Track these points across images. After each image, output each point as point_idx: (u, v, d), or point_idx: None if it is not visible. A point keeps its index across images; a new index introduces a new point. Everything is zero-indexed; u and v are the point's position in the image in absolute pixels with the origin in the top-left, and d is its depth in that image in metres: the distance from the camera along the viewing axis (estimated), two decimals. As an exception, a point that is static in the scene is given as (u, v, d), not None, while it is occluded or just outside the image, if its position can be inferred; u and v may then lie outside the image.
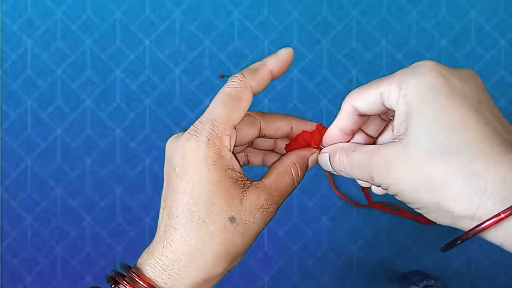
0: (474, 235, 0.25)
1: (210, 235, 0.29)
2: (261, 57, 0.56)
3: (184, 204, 0.29)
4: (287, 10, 0.56)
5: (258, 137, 0.34)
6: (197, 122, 0.30)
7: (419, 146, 0.25)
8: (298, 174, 0.32)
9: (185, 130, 0.31)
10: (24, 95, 0.56)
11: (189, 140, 0.29)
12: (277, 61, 0.33)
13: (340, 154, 0.31)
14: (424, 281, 0.50)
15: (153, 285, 0.29)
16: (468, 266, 0.55)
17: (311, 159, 0.33)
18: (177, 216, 0.29)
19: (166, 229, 0.30)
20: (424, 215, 0.28)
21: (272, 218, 0.31)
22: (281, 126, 0.34)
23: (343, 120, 0.31)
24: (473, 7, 0.56)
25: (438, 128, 0.25)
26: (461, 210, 0.25)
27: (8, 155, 0.56)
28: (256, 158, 0.36)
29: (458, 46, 0.55)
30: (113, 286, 0.29)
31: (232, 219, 0.29)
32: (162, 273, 0.29)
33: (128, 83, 0.56)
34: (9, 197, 0.56)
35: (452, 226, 0.27)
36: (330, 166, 0.32)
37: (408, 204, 0.28)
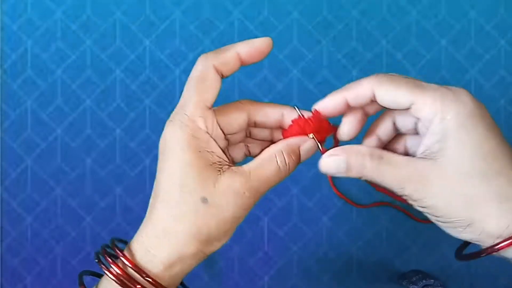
0: (498, 250, 0.28)
1: (183, 215, 0.30)
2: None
3: (162, 184, 0.30)
4: (287, 10, 0.56)
5: (249, 125, 0.34)
6: (175, 109, 0.32)
7: (459, 168, 0.28)
8: (285, 163, 0.31)
9: None
10: (24, 95, 0.56)
11: (167, 126, 0.31)
12: (248, 45, 0.32)
13: (365, 160, 0.30)
14: (424, 281, 0.50)
15: (131, 259, 0.30)
16: (468, 266, 0.55)
17: (304, 147, 0.32)
18: (157, 195, 0.31)
19: (150, 209, 0.31)
20: (447, 228, 0.30)
21: (251, 204, 0.31)
22: (269, 113, 0.33)
23: (356, 96, 0.31)
24: (473, 7, 0.56)
25: (478, 155, 0.28)
26: (492, 228, 0.28)
27: (8, 155, 0.56)
28: (255, 148, 0.36)
29: (458, 46, 0.55)
30: (97, 260, 0.31)
31: (204, 200, 0.29)
32: (141, 248, 0.31)
33: (128, 83, 0.56)
34: (9, 197, 0.56)
35: (473, 241, 0.30)
36: (344, 170, 0.31)
37: (435, 218, 0.30)
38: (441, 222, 0.30)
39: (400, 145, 0.34)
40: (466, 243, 0.33)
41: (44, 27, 0.56)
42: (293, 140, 0.32)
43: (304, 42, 0.56)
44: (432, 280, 0.50)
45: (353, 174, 0.31)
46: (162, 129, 0.58)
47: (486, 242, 0.29)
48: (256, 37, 0.56)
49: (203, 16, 0.56)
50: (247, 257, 0.55)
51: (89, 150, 0.56)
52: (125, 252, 0.31)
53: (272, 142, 0.35)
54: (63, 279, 0.56)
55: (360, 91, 0.31)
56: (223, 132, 0.33)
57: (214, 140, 0.31)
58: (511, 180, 0.28)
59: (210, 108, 0.31)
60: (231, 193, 0.30)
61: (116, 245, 0.32)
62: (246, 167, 0.31)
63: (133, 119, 0.56)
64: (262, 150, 0.35)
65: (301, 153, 0.32)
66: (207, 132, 0.31)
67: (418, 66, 0.55)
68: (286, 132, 0.33)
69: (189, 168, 0.30)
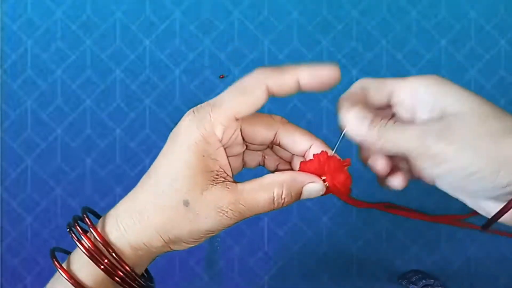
0: None
1: (162, 208, 0.29)
2: (261, 57, 0.56)
3: (158, 168, 0.30)
4: (287, 10, 0.56)
5: (273, 143, 0.32)
6: (204, 103, 0.30)
7: (473, 114, 0.27)
8: (281, 197, 0.30)
9: None
10: (24, 95, 0.56)
11: (187, 116, 0.30)
12: (312, 73, 0.29)
13: (382, 124, 0.29)
14: (423, 281, 0.50)
15: (101, 232, 0.30)
16: (468, 266, 0.55)
17: (308, 188, 0.31)
18: (149, 177, 0.30)
19: (138, 186, 0.31)
20: (476, 179, 0.27)
21: (230, 224, 0.30)
22: (298, 140, 0.32)
23: (352, 98, 0.31)
24: (473, 7, 0.56)
25: (477, 102, 0.28)
26: None
27: (8, 155, 0.56)
28: (271, 162, 0.35)
29: (458, 46, 0.55)
30: (68, 230, 0.31)
31: (186, 203, 0.29)
32: (113, 222, 0.31)
33: (128, 83, 0.56)
34: (9, 197, 0.56)
35: (491, 198, 0.28)
36: (362, 132, 0.29)
37: (459, 172, 0.28)
38: (468, 174, 0.27)
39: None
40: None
41: (44, 27, 0.56)
42: (300, 177, 0.31)
43: (304, 42, 0.56)
44: (432, 280, 0.50)
45: (374, 137, 0.29)
46: (162, 129, 0.58)
47: (505, 199, 0.28)
48: (255, 37, 0.57)
49: (203, 16, 0.56)
50: (247, 257, 0.56)
51: (89, 150, 0.56)
52: (98, 225, 0.31)
53: (291, 165, 0.34)
54: (63, 279, 0.56)
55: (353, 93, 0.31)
56: (244, 139, 0.32)
57: (225, 149, 0.30)
58: None
59: (237, 120, 0.30)
60: (214, 207, 0.29)
61: (88, 217, 0.32)
62: (240, 186, 0.30)
63: (133, 119, 0.56)
64: (277, 166, 0.34)
65: (304, 192, 0.31)
66: (220, 141, 0.29)
67: (418, 66, 0.55)
68: (303, 165, 0.31)
69: (186, 167, 0.29)
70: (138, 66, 0.56)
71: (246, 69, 0.56)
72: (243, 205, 0.29)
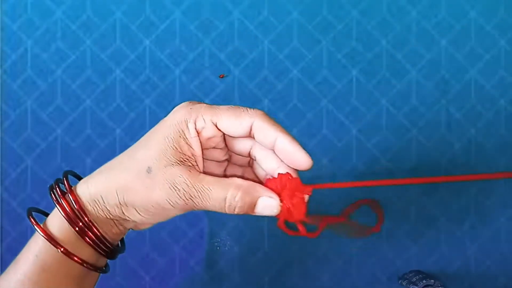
0: None
1: (128, 168, 0.32)
2: (261, 57, 0.56)
3: (139, 140, 0.33)
4: (287, 10, 0.56)
5: (250, 156, 0.34)
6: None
7: None
8: (235, 199, 0.31)
9: None
10: (24, 95, 0.56)
11: (183, 103, 0.33)
12: (288, 144, 0.31)
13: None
14: (424, 281, 0.50)
15: (71, 188, 0.33)
16: (468, 266, 0.55)
17: (262, 200, 0.31)
18: (135, 144, 0.33)
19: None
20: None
21: (177, 208, 0.31)
22: (269, 158, 0.33)
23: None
24: (473, 7, 0.56)
25: None
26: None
27: (8, 155, 0.56)
28: (233, 170, 0.36)
29: (458, 46, 0.55)
30: (49, 191, 0.33)
31: (149, 170, 0.31)
32: (85, 180, 0.33)
33: (128, 83, 0.56)
34: (9, 197, 0.56)
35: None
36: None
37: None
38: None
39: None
40: None
41: (44, 27, 0.56)
42: (259, 189, 0.31)
43: (304, 42, 0.56)
44: (433, 281, 0.50)
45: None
46: (162, 129, 0.58)
47: None
48: (256, 37, 0.57)
49: (203, 16, 0.56)
50: (247, 257, 0.55)
51: (89, 150, 0.56)
52: (75, 187, 0.33)
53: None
54: (63, 279, 0.56)
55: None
56: (227, 146, 0.34)
57: (207, 142, 0.32)
58: None
59: (217, 128, 0.32)
60: (170, 181, 0.30)
61: (67, 180, 0.34)
62: (202, 175, 0.31)
63: (133, 119, 0.56)
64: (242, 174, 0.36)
65: (258, 204, 0.31)
66: (198, 133, 0.32)
67: (418, 66, 0.55)
68: (266, 181, 0.32)
69: (163, 138, 0.31)
70: (138, 66, 0.56)
71: (246, 69, 0.56)
72: (196, 190, 0.30)
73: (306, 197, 0.32)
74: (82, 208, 0.32)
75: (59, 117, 0.56)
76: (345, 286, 0.55)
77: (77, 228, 0.32)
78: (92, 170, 0.55)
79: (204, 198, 0.31)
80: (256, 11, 0.56)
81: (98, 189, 0.32)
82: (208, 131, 0.32)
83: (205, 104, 0.32)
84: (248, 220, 0.55)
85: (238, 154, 0.35)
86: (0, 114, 0.56)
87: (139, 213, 0.32)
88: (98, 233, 0.32)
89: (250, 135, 0.32)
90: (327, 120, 0.55)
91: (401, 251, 0.55)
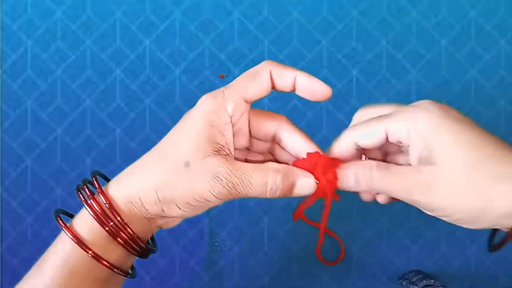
0: None
1: (163, 165, 0.31)
2: (261, 57, 0.56)
3: (166, 137, 0.33)
4: (287, 10, 0.56)
5: (275, 140, 0.34)
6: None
7: (454, 164, 0.29)
8: (276, 183, 0.31)
9: None
10: (24, 95, 0.56)
11: (204, 96, 0.33)
12: (307, 79, 0.33)
13: (372, 172, 0.31)
14: (424, 281, 0.50)
15: (103, 188, 0.32)
16: (468, 266, 0.55)
17: (301, 181, 0.32)
18: (157, 145, 0.33)
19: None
20: (462, 224, 0.31)
21: (221, 198, 0.31)
22: (297, 140, 0.34)
23: (344, 154, 0.33)
24: (473, 7, 0.56)
25: (464, 147, 0.29)
26: (503, 209, 0.28)
27: (8, 155, 0.56)
28: (282, 155, 0.36)
29: (458, 46, 0.55)
30: (77, 191, 0.33)
31: (187, 164, 0.31)
32: (116, 181, 0.33)
33: (128, 83, 0.56)
34: (9, 197, 0.56)
35: (492, 227, 0.31)
36: (354, 184, 0.32)
37: (448, 218, 0.30)
38: (454, 220, 0.30)
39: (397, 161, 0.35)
40: (494, 232, 0.34)
41: (44, 27, 0.56)
42: (296, 170, 0.32)
43: (304, 42, 0.56)
44: (433, 281, 0.50)
45: (363, 187, 0.32)
46: (162, 129, 0.58)
47: (505, 224, 0.29)
48: (256, 37, 0.57)
49: (203, 16, 0.56)
50: (247, 257, 0.56)
51: (89, 150, 0.56)
52: (105, 187, 0.33)
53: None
54: (63, 279, 0.56)
55: (344, 150, 0.33)
56: (250, 133, 0.34)
57: (233, 128, 0.32)
58: (501, 160, 0.29)
59: (247, 102, 0.32)
60: (211, 172, 0.30)
61: (97, 180, 0.33)
62: (239, 163, 0.31)
63: (133, 119, 0.56)
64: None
65: (297, 186, 0.32)
66: (230, 117, 0.32)
67: (418, 66, 0.55)
68: (296, 162, 0.33)
69: (195, 133, 0.31)
70: (138, 66, 0.56)
71: (246, 69, 0.56)
72: (238, 178, 0.31)
73: (336, 170, 0.33)
74: (115, 209, 0.32)
75: (59, 117, 0.56)
76: (345, 286, 0.55)
77: (107, 228, 0.32)
78: (92, 170, 0.55)
79: (246, 185, 0.31)
80: (256, 11, 0.56)
81: (134, 189, 0.32)
82: (240, 109, 0.32)
83: (223, 87, 0.32)
84: (248, 220, 0.55)
85: (261, 140, 0.35)
86: (0, 114, 0.56)
87: (179, 208, 0.32)
88: (132, 233, 0.32)
89: (273, 87, 0.33)
90: (327, 120, 0.55)
91: (401, 251, 0.55)
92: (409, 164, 0.32)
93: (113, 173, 0.55)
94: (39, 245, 0.56)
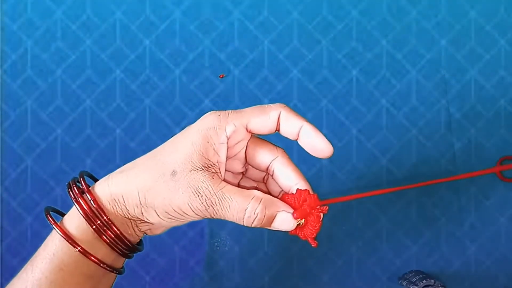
0: None
1: (152, 169, 0.32)
2: (261, 57, 0.56)
3: (162, 144, 0.33)
4: (287, 10, 0.56)
5: (268, 171, 0.35)
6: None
7: None
8: (255, 211, 0.31)
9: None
10: (24, 95, 0.56)
11: (210, 112, 0.33)
12: (311, 133, 0.33)
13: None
14: (424, 281, 0.50)
15: (89, 188, 0.33)
16: (468, 266, 0.55)
17: (281, 215, 0.32)
18: (158, 147, 0.33)
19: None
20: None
21: (197, 214, 0.31)
22: (289, 174, 0.34)
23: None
24: (473, 7, 0.56)
25: None
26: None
27: (8, 155, 0.56)
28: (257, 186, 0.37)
29: (458, 46, 0.55)
30: (67, 190, 0.34)
31: (174, 173, 0.31)
32: (105, 179, 0.34)
33: (128, 83, 0.56)
34: (9, 197, 0.56)
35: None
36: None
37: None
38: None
39: None
40: None
41: (44, 27, 0.56)
42: (279, 203, 0.32)
43: (304, 42, 0.56)
44: (433, 281, 0.50)
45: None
46: (162, 129, 0.58)
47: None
48: (256, 37, 0.57)
49: (203, 16, 0.56)
50: (247, 257, 0.56)
51: (89, 150, 0.56)
52: (92, 187, 0.34)
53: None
54: (63, 279, 0.56)
55: None
56: (246, 159, 0.35)
57: (229, 151, 0.33)
58: None
59: (247, 130, 0.33)
60: (193, 186, 0.31)
61: (84, 180, 0.34)
62: (224, 183, 0.31)
63: (133, 119, 0.56)
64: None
65: (277, 218, 0.32)
66: (227, 138, 0.32)
67: (418, 66, 0.55)
68: (284, 195, 0.33)
69: (190, 144, 0.31)
70: (138, 66, 0.56)
71: (246, 69, 0.56)
72: (218, 198, 0.31)
73: (321, 215, 0.32)
74: (100, 207, 0.32)
75: (59, 117, 0.56)
76: (345, 286, 0.55)
77: (94, 226, 0.32)
78: (92, 170, 0.55)
79: (224, 207, 0.31)
80: (256, 11, 0.56)
81: (119, 188, 0.32)
82: (239, 135, 0.33)
83: (231, 110, 0.33)
84: (248, 220, 0.55)
85: (255, 168, 0.35)
86: (0, 114, 0.56)
87: (158, 215, 0.32)
88: (117, 231, 0.33)
89: (277, 129, 0.33)
90: (327, 120, 0.55)
91: (401, 251, 0.55)
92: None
93: (113, 173, 0.55)
94: (39, 245, 0.56)
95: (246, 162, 0.35)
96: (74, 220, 0.33)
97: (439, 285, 0.50)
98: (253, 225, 0.32)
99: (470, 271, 0.55)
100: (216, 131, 0.32)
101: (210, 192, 0.31)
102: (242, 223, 0.31)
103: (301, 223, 0.32)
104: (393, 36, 0.56)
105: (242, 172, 0.36)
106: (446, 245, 0.55)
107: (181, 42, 0.56)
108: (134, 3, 0.56)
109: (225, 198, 0.31)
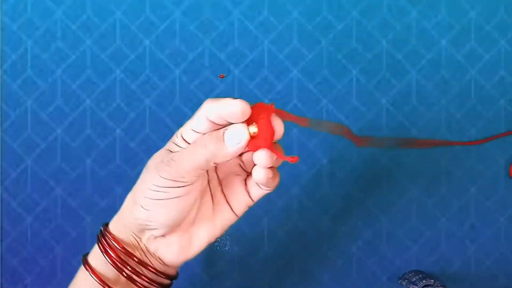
0: None
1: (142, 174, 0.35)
2: (261, 57, 0.56)
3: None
4: (287, 10, 0.56)
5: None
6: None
7: None
8: (204, 145, 0.31)
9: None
10: (24, 95, 0.56)
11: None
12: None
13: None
14: (424, 281, 0.50)
15: (109, 230, 0.36)
16: (468, 266, 0.55)
17: (228, 131, 0.31)
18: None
19: None
20: None
21: (168, 174, 0.32)
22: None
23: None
24: (473, 7, 0.56)
25: None
26: None
27: (8, 155, 0.56)
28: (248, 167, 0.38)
29: (458, 46, 0.55)
30: (97, 242, 0.36)
31: (146, 167, 0.34)
32: (115, 221, 0.36)
33: (128, 83, 0.56)
34: (9, 197, 0.56)
35: None
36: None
37: None
38: None
39: None
40: None
41: (44, 27, 0.56)
42: (227, 127, 0.32)
43: (304, 42, 0.56)
44: (432, 281, 0.50)
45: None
46: (162, 129, 0.58)
47: None
48: (256, 37, 0.57)
49: (203, 16, 0.56)
50: (247, 257, 0.55)
51: (89, 150, 0.56)
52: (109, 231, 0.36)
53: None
54: (63, 279, 0.56)
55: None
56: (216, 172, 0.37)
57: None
58: None
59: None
60: (158, 162, 0.33)
61: (108, 231, 0.36)
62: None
63: (133, 119, 0.56)
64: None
65: (225, 136, 0.31)
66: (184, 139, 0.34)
67: (418, 66, 0.55)
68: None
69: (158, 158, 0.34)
70: (138, 66, 0.56)
71: (246, 69, 0.56)
72: (176, 153, 0.33)
73: (276, 120, 0.31)
74: (129, 252, 0.35)
75: (59, 117, 0.56)
76: (345, 286, 0.55)
77: (125, 274, 0.35)
78: (92, 170, 0.56)
79: (181, 154, 0.32)
80: (256, 11, 0.56)
81: (123, 211, 0.36)
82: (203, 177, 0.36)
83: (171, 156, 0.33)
84: (248, 220, 0.55)
85: (247, 164, 0.37)
86: (0, 114, 0.56)
87: (142, 207, 0.33)
88: (153, 269, 0.36)
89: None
90: (327, 120, 0.55)
91: (401, 251, 0.55)
92: None
93: (113, 173, 0.56)
94: (39, 245, 0.56)
95: (242, 162, 0.37)
96: (104, 263, 0.35)
97: (439, 285, 0.50)
98: (210, 154, 0.31)
99: (470, 271, 0.55)
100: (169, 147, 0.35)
101: (168, 154, 0.33)
102: (201, 159, 0.31)
103: (255, 132, 0.30)
104: (393, 36, 0.56)
105: (243, 169, 0.37)
106: (446, 245, 0.55)
107: (181, 42, 0.56)
108: (134, 3, 0.56)
109: (182, 150, 0.32)
